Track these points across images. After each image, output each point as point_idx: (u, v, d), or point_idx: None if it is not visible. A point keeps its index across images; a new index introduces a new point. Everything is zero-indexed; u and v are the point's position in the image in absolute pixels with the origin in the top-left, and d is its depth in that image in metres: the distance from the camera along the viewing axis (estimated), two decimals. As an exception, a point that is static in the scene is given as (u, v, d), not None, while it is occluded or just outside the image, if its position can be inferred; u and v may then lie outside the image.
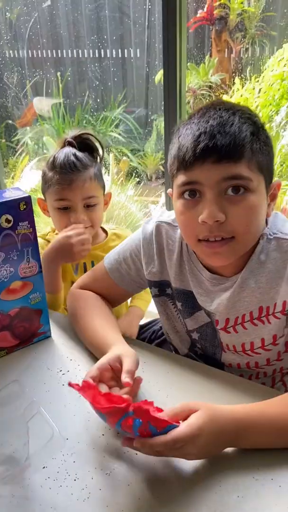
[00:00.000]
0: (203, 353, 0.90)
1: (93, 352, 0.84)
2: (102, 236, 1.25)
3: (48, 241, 1.20)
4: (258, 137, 0.70)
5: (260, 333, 0.80)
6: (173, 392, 0.76)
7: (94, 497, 0.59)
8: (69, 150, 1.12)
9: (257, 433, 0.63)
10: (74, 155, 1.11)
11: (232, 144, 0.67)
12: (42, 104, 4.24)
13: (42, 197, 1.19)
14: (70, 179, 1.09)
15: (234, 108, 0.71)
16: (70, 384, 0.64)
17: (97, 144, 1.17)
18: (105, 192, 1.21)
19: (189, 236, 0.76)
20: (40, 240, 1.09)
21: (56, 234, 1.21)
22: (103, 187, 1.19)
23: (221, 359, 0.87)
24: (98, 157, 1.18)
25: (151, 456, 0.62)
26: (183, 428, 0.58)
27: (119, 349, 0.75)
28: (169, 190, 0.79)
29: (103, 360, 0.72)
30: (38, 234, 0.89)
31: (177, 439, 0.57)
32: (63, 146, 1.15)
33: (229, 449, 0.64)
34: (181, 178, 0.72)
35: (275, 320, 0.78)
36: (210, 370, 0.83)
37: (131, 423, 0.58)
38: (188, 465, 0.62)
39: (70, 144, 1.14)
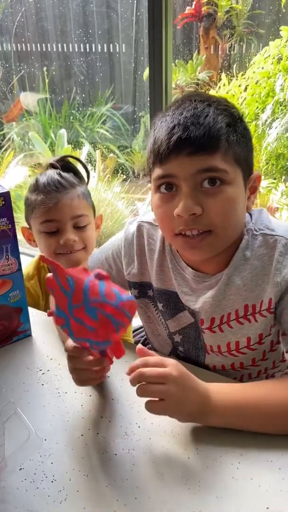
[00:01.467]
0: (186, 356, 0.89)
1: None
2: None
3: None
4: (235, 129, 0.69)
5: (246, 332, 0.79)
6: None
7: (72, 499, 0.58)
8: (52, 171, 1.06)
9: (226, 407, 0.65)
10: (59, 174, 1.05)
11: (206, 135, 0.66)
12: (28, 99, 4.19)
13: (26, 225, 1.10)
14: (56, 198, 1.01)
15: (209, 100, 0.71)
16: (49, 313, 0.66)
17: (81, 167, 1.11)
18: (96, 215, 1.13)
19: (166, 230, 0.75)
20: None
21: (42, 268, 1.15)
22: (93, 208, 1.11)
23: (204, 362, 0.86)
24: (80, 178, 1.10)
25: (129, 457, 0.61)
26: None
27: None
28: (150, 184, 0.78)
29: None
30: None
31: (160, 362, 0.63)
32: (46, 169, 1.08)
33: (208, 448, 0.64)
34: (157, 172, 0.71)
35: (262, 318, 0.77)
36: (196, 370, 0.82)
37: (97, 284, 0.59)
38: (167, 465, 0.62)
39: (53, 166, 1.08)
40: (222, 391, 0.67)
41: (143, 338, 1.15)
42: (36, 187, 1.05)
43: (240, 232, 0.76)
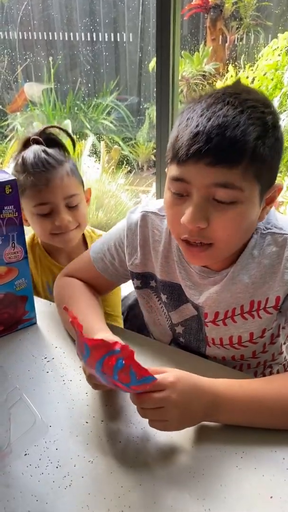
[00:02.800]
0: (186, 346, 0.89)
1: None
2: (82, 249, 1.15)
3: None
4: (264, 142, 0.63)
5: (249, 327, 0.79)
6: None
7: (76, 485, 0.58)
8: (37, 148, 1.02)
9: (235, 405, 0.64)
10: (44, 151, 1.01)
11: (230, 149, 0.61)
12: (33, 90, 4.17)
13: None
14: (46, 178, 1.00)
15: (245, 104, 0.64)
16: (65, 308, 0.64)
17: (65, 136, 1.08)
18: (85, 189, 1.12)
19: (173, 231, 0.74)
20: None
21: (36, 244, 1.16)
22: (82, 183, 1.10)
23: (205, 353, 0.87)
24: (66, 152, 1.07)
25: (133, 445, 0.61)
26: (162, 375, 0.62)
27: (102, 336, 0.74)
28: (167, 169, 0.74)
29: None
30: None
31: (157, 383, 0.60)
32: (26, 145, 1.05)
33: (212, 438, 0.64)
34: (173, 170, 0.68)
35: (266, 315, 0.77)
36: (196, 359, 0.83)
37: (113, 362, 0.57)
38: (171, 452, 0.62)
39: (36, 142, 1.04)
40: (230, 391, 0.66)
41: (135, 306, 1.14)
42: (24, 168, 1.02)
43: (244, 241, 0.75)
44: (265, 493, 0.57)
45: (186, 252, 0.73)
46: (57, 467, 0.61)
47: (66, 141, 1.12)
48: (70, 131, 1.12)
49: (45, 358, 0.82)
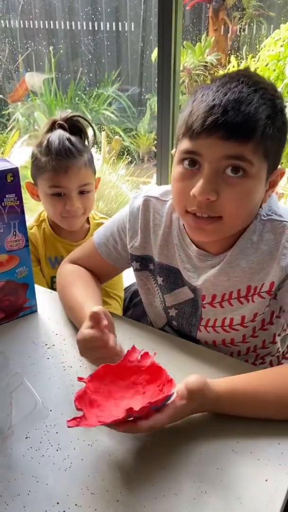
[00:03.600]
0: (179, 330, 0.91)
1: (75, 324, 0.84)
2: (85, 228, 1.23)
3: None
4: (274, 122, 0.67)
5: (243, 311, 0.81)
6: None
7: (76, 467, 0.60)
8: (62, 134, 1.08)
9: (238, 404, 0.66)
10: (69, 140, 1.08)
11: (244, 124, 0.64)
12: (34, 79, 4.14)
13: (31, 180, 1.17)
14: (66, 166, 1.07)
15: (257, 85, 0.68)
16: (80, 379, 0.64)
17: (88, 126, 1.14)
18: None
19: (179, 205, 0.75)
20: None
21: (43, 221, 1.22)
22: (95, 173, 1.18)
23: (196, 337, 0.88)
24: (87, 141, 1.14)
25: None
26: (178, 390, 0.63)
27: (88, 306, 0.75)
28: (173, 150, 0.77)
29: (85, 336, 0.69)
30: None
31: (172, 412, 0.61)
32: (52, 127, 1.10)
33: (209, 422, 0.65)
34: (185, 144, 0.70)
35: (260, 299, 0.79)
36: (188, 345, 0.84)
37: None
38: (169, 436, 0.63)
39: (61, 127, 1.10)
40: (230, 387, 0.66)
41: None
42: (48, 151, 1.07)
43: (250, 221, 0.76)
44: (260, 476, 0.58)
45: (192, 226, 0.74)
46: (57, 450, 0.62)
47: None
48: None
49: (46, 344, 0.83)
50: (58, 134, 1.08)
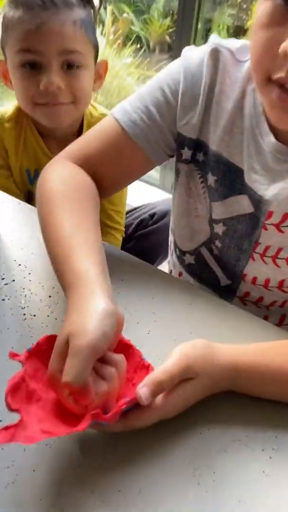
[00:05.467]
0: (220, 257, 0.67)
1: (57, 277, 0.51)
2: (77, 129, 0.89)
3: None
4: None
5: None
6: (157, 329, 0.54)
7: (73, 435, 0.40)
8: None
9: (258, 379, 0.46)
10: None
11: None
12: None
13: (2, 57, 0.81)
14: (39, 18, 0.72)
15: None
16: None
17: None
18: (98, 60, 0.84)
19: (260, 67, 0.49)
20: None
21: (26, 116, 0.87)
22: (95, 48, 0.82)
23: (244, 269, 0.64)
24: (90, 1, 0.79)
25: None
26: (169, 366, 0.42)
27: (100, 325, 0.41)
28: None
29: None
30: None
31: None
32: None
33: (205, 413, 0.46)
34: None
35: None
36: (213, 300, 0.60)
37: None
38: (160, 433, 0.43)
39: None
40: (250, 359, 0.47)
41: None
42: (16, 0, 0.74)
43: None
44: (258, 469, 0.42)
45: (275, 103, 0.48)
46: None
47: None
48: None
49: (3, 279, 0.60)
50: None
